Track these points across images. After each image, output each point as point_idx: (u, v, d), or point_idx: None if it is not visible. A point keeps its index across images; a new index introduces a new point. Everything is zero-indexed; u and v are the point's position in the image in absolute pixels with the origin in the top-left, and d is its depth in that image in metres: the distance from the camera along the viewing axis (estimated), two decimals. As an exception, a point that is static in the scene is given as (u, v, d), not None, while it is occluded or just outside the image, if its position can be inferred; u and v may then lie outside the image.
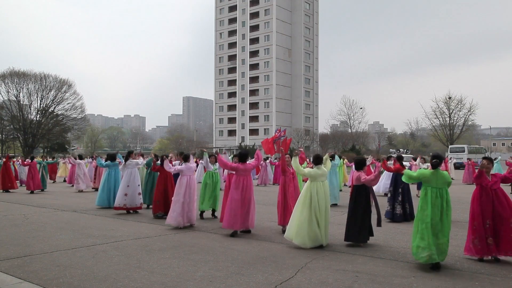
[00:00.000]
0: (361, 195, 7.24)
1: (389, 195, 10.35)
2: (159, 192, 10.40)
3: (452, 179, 6.70)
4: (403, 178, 6.40)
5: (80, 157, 19.50)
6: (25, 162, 18.86)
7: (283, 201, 8.41)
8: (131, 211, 11.12)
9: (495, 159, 27.28)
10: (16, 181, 21.11)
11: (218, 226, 8.89)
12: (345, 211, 11.57)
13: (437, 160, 5.94)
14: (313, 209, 7.00)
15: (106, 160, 13.17)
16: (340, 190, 16.22)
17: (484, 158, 6.46)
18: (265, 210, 11.38)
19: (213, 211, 10.52)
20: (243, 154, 8.39)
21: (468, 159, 27.48)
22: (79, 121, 66.17)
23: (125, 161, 11.43)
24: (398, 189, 10.09)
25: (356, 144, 69.32)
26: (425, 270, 5.63)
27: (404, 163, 13.22)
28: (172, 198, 9.14)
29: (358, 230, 7.11)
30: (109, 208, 11.91)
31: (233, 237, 7.81)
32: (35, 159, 20.94)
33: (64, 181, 24.86)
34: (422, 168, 12.85)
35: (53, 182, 23.47)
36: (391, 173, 10.68)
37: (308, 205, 7.02)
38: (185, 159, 9.38)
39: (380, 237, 7.79)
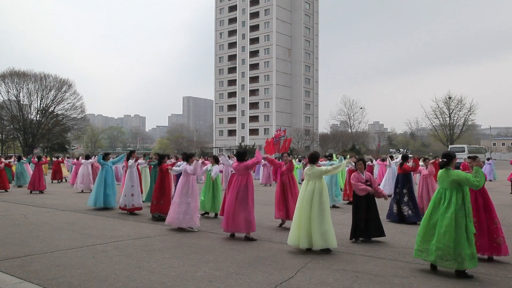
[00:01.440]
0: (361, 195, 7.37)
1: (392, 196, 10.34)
2: (156, 192, 10.22)
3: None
4: None
5: (88, 157, 19.03)
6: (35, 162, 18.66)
7: (280, 196, 8.73)
8: (135, 212, 11.00)
9: (489, 159, 27.43)
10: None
11: (218, 226, 8.88)
12: (345, 211, 11.59)
13: (444, 160, 5.75)
14: (298, 208, 6.88)
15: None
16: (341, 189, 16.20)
17: (469, 157, 6.83)
18: (265, 210, 11.38)
19: (205, 213, 10.59)
20: (240, 153, 8.18)
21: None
22: (79, 121, 66.12)
23: (127, 160, 11.45)
24: (396, 189, 10.05)
25: (356, 144, 69.36)
26: (425, 270, 5.63)
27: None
28: None
29: (366, 227, 7.31)
30: (107, 209, 11.87)
31: (233, 238, 7.80)
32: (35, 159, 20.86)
33: (65, 180, 24.83)
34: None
35: (52, 182, 23.38)
36: (392, 174, 10.68)
37: (298, 204, 6.97)
38: (186, 159, 9.18)
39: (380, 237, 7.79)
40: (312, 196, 6.70)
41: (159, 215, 9.97)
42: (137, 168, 11.68)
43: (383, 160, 18.34)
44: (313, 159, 7.12)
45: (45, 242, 7.26)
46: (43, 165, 21.37)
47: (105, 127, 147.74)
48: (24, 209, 11.89)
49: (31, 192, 17.16)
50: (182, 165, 9.16)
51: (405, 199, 9.77)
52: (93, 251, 6.60)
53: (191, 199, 8.64)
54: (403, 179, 9.96)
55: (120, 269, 5.59)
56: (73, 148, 74.94)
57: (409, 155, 14.44)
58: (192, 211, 8.58)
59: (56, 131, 64.10)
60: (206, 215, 10.66)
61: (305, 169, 7.09)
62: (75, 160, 23.23)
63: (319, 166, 7.21)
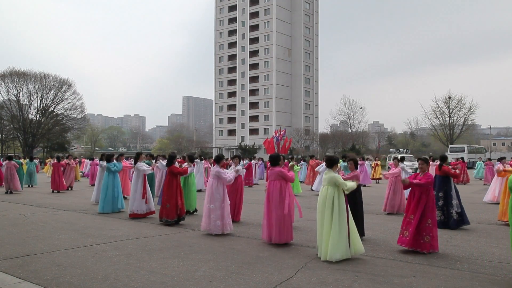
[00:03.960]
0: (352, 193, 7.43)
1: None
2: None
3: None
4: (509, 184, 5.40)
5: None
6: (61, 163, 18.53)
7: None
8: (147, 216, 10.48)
9: (490, 159, 27.50)
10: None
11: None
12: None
13: None
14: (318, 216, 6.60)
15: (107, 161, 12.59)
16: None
17: (419, 159, 7.21)
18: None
19: (187, 211, 10.69)
20: (274, 158, 7.65)
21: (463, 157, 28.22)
22: (79, 121, 66.19)
23: (135, 163, 10.77)
24: (438, 193, 9.12)
25: (356, 144, 69.33)
26: (425, 270, 5.63)
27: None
28: None
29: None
30: (113, 212, 11.64)
31: (268, 244, 7.30)
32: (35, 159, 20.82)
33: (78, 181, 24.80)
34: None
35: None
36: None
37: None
38: (217, 161, 8.68)
39: (380, 237, 7.81)
40: (326, 203, 6.29)
41: (166, 220, 9.27)
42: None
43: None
44: (331, 163, 6.59)
45: (45, 242, 7.26)
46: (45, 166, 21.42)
47: (105, 127, 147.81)
48: (24, 209, 11.89)
49: (53, 192, 17.34)
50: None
51: (440, 203, 9.00)
52: (93, 251, 6.60)
53: (224, 204, 8.24)
54: (440, 182, 9.19)
55: (120, 269, 5.60)
56: (72, 148, 74.91)
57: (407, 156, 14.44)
58: (226, 216, 8.18)
59: (56, 131, 64.14)
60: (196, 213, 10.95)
61: (324, 173, 6.73)
62: (88, 160, 23.16)
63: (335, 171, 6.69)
